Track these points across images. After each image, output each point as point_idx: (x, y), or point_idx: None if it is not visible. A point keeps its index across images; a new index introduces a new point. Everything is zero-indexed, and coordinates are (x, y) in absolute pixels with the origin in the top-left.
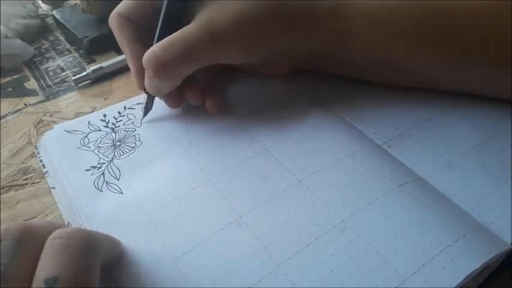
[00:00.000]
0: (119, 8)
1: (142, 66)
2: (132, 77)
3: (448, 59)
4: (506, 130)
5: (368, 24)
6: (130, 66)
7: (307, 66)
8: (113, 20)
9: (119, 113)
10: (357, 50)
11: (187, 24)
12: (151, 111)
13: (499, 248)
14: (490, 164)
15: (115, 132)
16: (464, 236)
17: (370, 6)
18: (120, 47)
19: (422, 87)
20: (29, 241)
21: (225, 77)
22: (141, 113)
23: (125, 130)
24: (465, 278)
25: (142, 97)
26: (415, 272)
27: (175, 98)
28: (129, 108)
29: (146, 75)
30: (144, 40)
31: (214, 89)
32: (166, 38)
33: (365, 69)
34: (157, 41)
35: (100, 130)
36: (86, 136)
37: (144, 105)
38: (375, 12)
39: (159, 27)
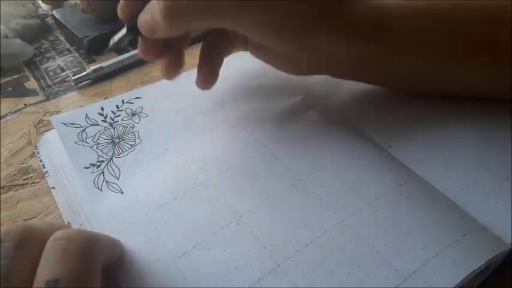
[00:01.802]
0: None
1: None
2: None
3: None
4: (506, 129)
5: (412, 31)
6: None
7: (334, 74)
8: None
9: (117, 107)
10: (397, 57)
11: None
12: (151, 108)
13: (499, 248)
14: (490, 163)
15: (113, 128)
16: (464, 236)
17: (418, 15)
18: None
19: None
20: (30, 242)
21: (232, 46)
22: (112, 41)
23: (123, 126)
24: (465, 278)
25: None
26: (415, 272)
27: (154, 49)
28: (127, 103)
29: (146, 11)
30: None
31: (209, 60)
32: None
33: (401, 79)
34: None
35: (98, 125)
36: (84, 130)
37: (117, 37)
38: (421, 19)
39: None
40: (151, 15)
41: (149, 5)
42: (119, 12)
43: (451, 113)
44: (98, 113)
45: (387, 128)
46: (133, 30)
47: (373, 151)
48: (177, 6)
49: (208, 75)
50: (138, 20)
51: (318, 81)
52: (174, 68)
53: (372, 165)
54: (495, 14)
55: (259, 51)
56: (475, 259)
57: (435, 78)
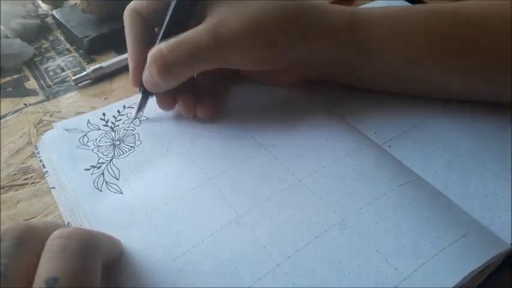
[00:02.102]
0: (133, 3)
1: (141, 64)
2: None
3: (477, 69)
4: (506, 129)
5: (388, 35)
6: (130, 62)
7: (318, 77)
8: (126, 14)
9: (118, 112)
10: (376, 61)
11: (196, 24)
12: (152, 110)
13: (499, 248)
14: (490, 163)
15: (114, 132)
16: (464, 235)
17: (389, 17)
18: (126, 41)
19: (432, 97)
20: (30, 241)
21: (227, 78)
22: (134, 112)
23: (124, 129)
24: (465, 277)
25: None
26: (415, 271)
27: (169, 100)
28: (128, 108)
29: (146, 71)
30: (150, 41)
31: (209, 93)
32: (174, 39)
33: (382, 80)
34: (161, 39)
35: (99, 129)
36: (85, 135)
37: (138, 105)
38: (395, 23)
39: (165, 24)
40: (150, 76)
41: (146, 68)
42: (132, 83)
43: (451, 113)
44: (100, 118)
45: (387, 128)
46: (146, 92)
47: (373, 151)
48: (166, 65)
49: (214, 107)
50: (143, 81)
51: (318, 82)
52: (172, 103)
53: (371, 165)
54: (472, 17)
55: (251, 75)
56: (475, 259)
57: (415, 78)
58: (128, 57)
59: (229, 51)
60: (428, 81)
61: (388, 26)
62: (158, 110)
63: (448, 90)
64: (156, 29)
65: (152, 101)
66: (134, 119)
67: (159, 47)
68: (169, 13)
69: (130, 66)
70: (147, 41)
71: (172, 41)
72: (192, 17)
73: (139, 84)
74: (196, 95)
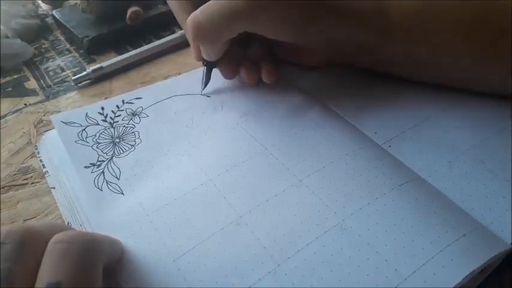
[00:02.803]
0: None
1: None
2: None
3: (500, 58)
4: (506, 129)
5: (410, 21)
6: (189, 38)
7: (346, 59)
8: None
9: (117, 107)
10: (395, 46)
11: None
12: (152, 109)
13: (499, 248)
14: (490, 162)
15: (114, 128)
16: (464, 235)
17: (414, 3)
18: (179, 20)
19: (447, 85)
20: (31, 244)
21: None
22: (202, 84)
23: (123, 126)
24: (465, 277)
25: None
26: (415, 272)
27: (228, 67)
28: (127, 103)
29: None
30: None
31: (268, 60)
32: (209, 2)
33: (400, 67)
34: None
35: (98, 124)
36: (84, 129)
37: (203, 77)
38: (418, 10)
39: None
40: (192, 45)
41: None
42: (195, 58)
43: (451, 113)
44: (98, 112)
45: (387, 128)
46: (210, 64)
47: (373, 151)
48: (200, 28)
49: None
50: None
51: (318, 81)
52: (233, 71)
53: (372, 165)
54: (492, 3)
55: (283, 53)
56: (475, 259)
57: (434, 65)
58: (186, 34)
59: (261, 15)
60: (448, 69)
61: (413, 11)
62: (158, 108)
63: (468, 80)
64: None
65: (152, 100)
66: (202, 90)
67: (195, 12)
68: None
69: (190, 42)
70: None
71: (207, 4)
72: None
73: (200, 57)
74: (255, 64)
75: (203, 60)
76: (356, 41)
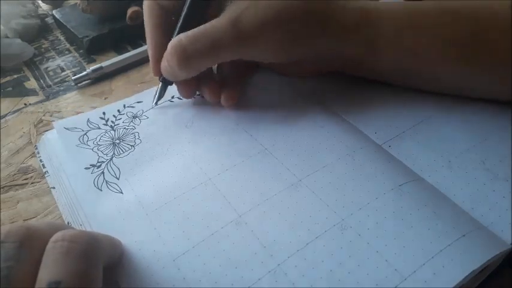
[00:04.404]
0: None
1: (160, 53)
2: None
3: (487, 67)
4: (506, 129)
5: (398, 33)
6: (149, 51)
7: (337, 69)
8: (145, 3)
9: (119, 111)
10: (386, 59)
11: (215, 15)
12: (152, 109)
13: (499, 248)
14: (490, 162)
15: (114, 130)
16: (464, 235)
17: (399, 13)
18: (145, 31)
19: (440, 92)
20: (31, 243)
21: (248, 67)
22: (154, 99)
23: (124, 128)
24: (465, 277)
25: (157, 85)
26: (415, 271)
27: (189, 87)
28: (128, 107)
29: (164, 60)
30: (169, 30)
31: (233, 81)
32: (193, 30)
33: (391, 77)
34: (180, 29)
35: (99, 128)
36: (85, 134)
37: (157, 92)
38: (404, 21)
39: (183, 15)
40: (169, 66)
41: (165, 56)
42: (152, 72)
43: (451, 113)
44: (100, 117)
45: (387, 128)
46: (166, 80)
47: (373, 151)
48: (185, 56)
49: (238, 94)
50: (161, 70)
51: (318, 81)
52: (193, 90)
53: (372, 165)
54: (481, 14)
55: (269, 65)
56: (475, 259)
57: (424, 75)
58: (147, 46)
59: (250, 44)
60: (438, 79)
61: (398, 24)
62: (158, 109)
63: (459, 88)
64: (173, 17)
65: (150, 100)
66: (154, 106)
67: (179, 38)
68: (187, 3)
69: (150, 55)
70: (165, 30)
71: (191, 32)
72: (211, 6)
73: (159, 73)
74: (219, 81)
75: (160, 75)
76: (344, 54)
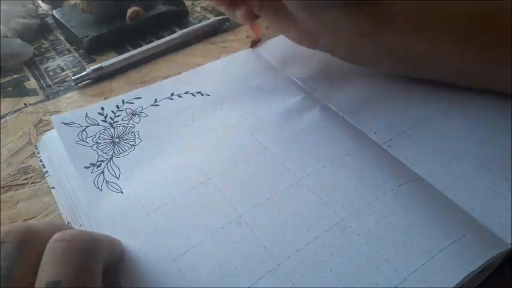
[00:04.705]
0: None
1: None
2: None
3: (496, 50)
4: (506, 129)
5: (410, 10)
6: None
7: (344, 49)
8: None
9: (117, 107)
10: (398, 35)
11: None
12: (152, 109)
13: (499, 248)
14: (490, 163)
15: (114, 128)
16: (464, 235)
17: None
18: None
19: (448, 83)
20: (31, 243)
21: None
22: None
23: (123, 126)
24: (465, 277)
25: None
26: (414, 271)
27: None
28: (127, 103)
29: None
30: None
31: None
32: None
33: (400, 60)
34: None
35: (98, 124)
36: (84, 130)
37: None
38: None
39: None
40: None
41: None
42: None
43: (451, 113)
44: (98, 112)
45: (387, 128)
46: None
47: (373, 151)
48: None
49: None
50: None
51: (318, 81)
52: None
53: (372, 165)
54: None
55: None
56: (475, 259)
57: (433, 59)
58: None
59: None
60: (444, 64)
61: (412, 1)
62: (157, 107)
63: (466, 77)
64: None
65: (152, 99)
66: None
67: None
68: None
69: None
70: None
71: None
72: None
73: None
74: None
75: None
76: (355, 28)
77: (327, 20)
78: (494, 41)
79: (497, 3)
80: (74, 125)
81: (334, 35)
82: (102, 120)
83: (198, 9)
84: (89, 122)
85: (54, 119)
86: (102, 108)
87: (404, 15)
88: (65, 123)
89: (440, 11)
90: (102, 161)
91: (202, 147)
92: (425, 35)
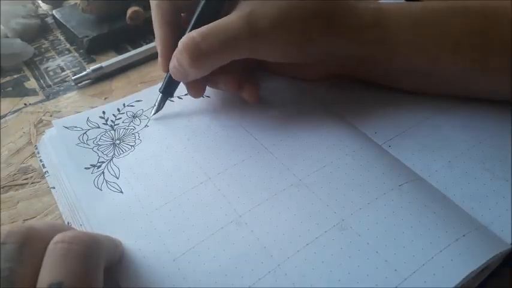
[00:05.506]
0: None
1: (169, 49)
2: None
3: (498, 68)
4: (506, 129)
5: (409, 34)
6: (159, 47)
7: (346, 72)
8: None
9: (118, 110)
10: (398, 59)
11: (227, 13)
12: (152, 109)
13: (499, 248)
14: (490, 162)
15: (114, 130)
16: (464, 235)
17: (412, 14)
18: (153, 26)
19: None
20: (32, 244)
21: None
22: (153, 110)
23: (124, 128)
24: (465, 277)
25: (157, 96)
26: (414, 272)
27: (199, 86)
28: (128, 106)
29: (174, 59)
30: (178, 26)
31: (250, 78)
32: (205, 26)
33: (403, 78)
34: (193, 27)
35: (99, 127)
36: (85, 133)
37: (156, 104)
38: (418, 22)
39: (197, 12)
40: (179, 65)
41: (174, 55)
42: (161, 68)
43: (451, 113)
44: (99, 116)
45: (387, 128)
46: (166, 92)
47: (373, 151)
48: (198, 53)
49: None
50: (170, 70)
51: (318, 82)
52: (202, 89)
53: (372, 165)
54: (494, 13)
55: (278, 68)
56: (475, 259)
57: (435, 76)
58: (156, 41)
59: (261, 40)
60: (450, 80)
61: (410, 22)
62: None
63: (468, 89)
64: (183, 14)
65: (152, 102)
66: (151, 117)
67: (191, 34)
68: (201, 3)
69: (159, 51)
70: (174, 27)
71: (204, 28)
72: (225, 6)
73: (167, 69)
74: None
75: (160, 87)
76: (356, 55)
77: (328, 53)
78: (494, 53)
79: (494, 17)
80: (75, 128)
81: (335, 64)
82: (103, 123)
83: None
84: (90, 125)
85: (55, 123)
86: (104, 112)
87: (403, 38)
88: (66, 127)
89: (439, 29)
90: (103, 162)
91: (202, 147)
92: (427, 56)
